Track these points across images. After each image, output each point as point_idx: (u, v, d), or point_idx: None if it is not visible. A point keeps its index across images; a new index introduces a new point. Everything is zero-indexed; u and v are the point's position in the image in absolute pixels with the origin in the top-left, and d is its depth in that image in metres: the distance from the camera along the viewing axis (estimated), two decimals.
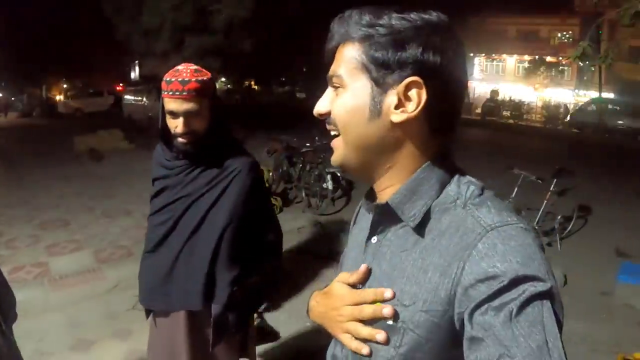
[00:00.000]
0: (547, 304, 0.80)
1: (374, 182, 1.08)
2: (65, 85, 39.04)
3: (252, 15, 9.08)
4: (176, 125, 2.16)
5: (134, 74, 31.53)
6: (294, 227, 7.59)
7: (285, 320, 4.77)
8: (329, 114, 1.05)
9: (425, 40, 0.94)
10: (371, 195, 1.13)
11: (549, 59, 41.78)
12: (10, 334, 2.11)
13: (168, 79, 2.13)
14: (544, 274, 0.83)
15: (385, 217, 1.03)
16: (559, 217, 7.29)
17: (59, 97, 33.80)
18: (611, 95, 32.43)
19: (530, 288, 0.80)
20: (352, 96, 1.00)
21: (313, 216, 8.15)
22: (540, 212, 7.06)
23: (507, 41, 43.14)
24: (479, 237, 0.88)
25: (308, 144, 9.46)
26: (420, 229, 0.97)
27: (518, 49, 43.52)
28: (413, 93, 0.95)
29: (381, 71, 0.96)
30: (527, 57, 43.50)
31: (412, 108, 0.95)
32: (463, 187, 0.99)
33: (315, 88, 43.12)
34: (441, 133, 1.01)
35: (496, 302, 0.80)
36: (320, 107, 1.07)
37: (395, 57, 0.95)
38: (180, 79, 2.10)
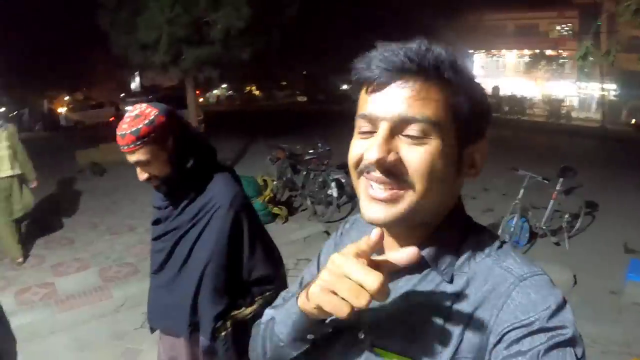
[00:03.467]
0: (570, 350, 0.84)
1: (396, 232, 1.02)
2: (66, 98, 39.14)
3: (249, 24, 9.07)
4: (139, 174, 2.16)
5: (134, 84, 31.68)
6: (301, 236, 7.57)
7: None
8: (396, 164, 0.90)
9: (490, 107, 0.98)
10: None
11: (548, 52, 41.76)
12: None
13: (117, 132, 2.07)
14: (569, 322, 0.87)
15: (406, 266, 0.94)
16: (567, 215, 7.27)
17: (61, 110, 33.88)
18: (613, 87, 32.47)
19: (557, 336, 0.84)
20: (444, 150, 0.90)
21: (319, 224, 8.11)
22: (547, 211, 7.03)
23: (506, 37, 43.18)
24: (512, 286, 0.90)
25: (311, 151, 9.44)
26: (450, 277, 0.97)
27: (517, 44, 43.52)
28: (479, 156, 0.98)
29: (469, 131, 0.94)
30: (527, 52, 43.52)
31: (477, 169, 0.99)
32: (482, 237, 1.00)
33: (315, 91, 43.29)
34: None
35: (525, 346, 0.83)
36: (384, 155, 0.89)
37: (479, 120, 0.95)
38: (121, 133, 2.04)
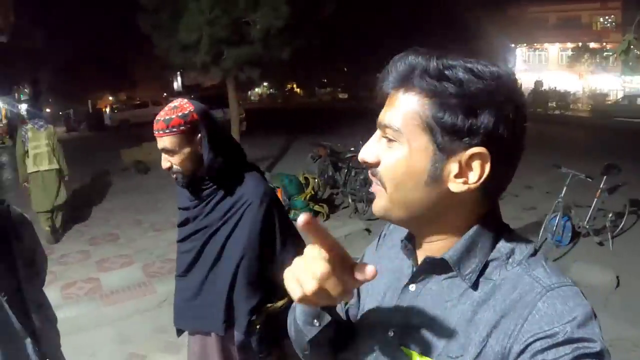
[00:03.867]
0: None
1: (417, 233, 1.06)
2: (110, 98, 40.03)
3: (288, 23, 9.11)
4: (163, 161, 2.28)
5: (177, 84, 32.17)
6: (342, 234, 7.59)
7: None
8: (376, 165, 0.98)
9: (498, 110, 0.90)
10: (411, 239, 1.10)
11: (592, 45, 40.62)
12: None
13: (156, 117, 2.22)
14: (597, 336, 0.85)
15: (434, 268, 1.01)
16: (610, 214, 7.08)
17: (106, 110, 34.70)
18: None
19: (583, 348, 0.83)
20: (409, 157, 0.93)
21: (360, 222, 8.11)
22: (590, 210, 6.89)
23: (548, 29, 42.21)
24: (539, 296, 0.90)
25: (352, 148, 9.44)
26: (474, 284, 0.97)
27: (560, 37, 42.43)
28: (476, 164, 0.92)
29: (447, 136, 0.91)
30: (569, 45, 42.39)
31: (473, 179, 0.93)
32: (515, 244, 0.99)
33: (356, 88, 43.18)
34: (495, 195, 1.01)
35: (549, 357, 0.83)
36: (367, 156, 0.99)
37: (465, 125, 0.90)
38: (156, 118, 2.19)
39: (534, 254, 0.98)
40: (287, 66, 13.16)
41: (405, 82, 0.94)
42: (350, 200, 8.83)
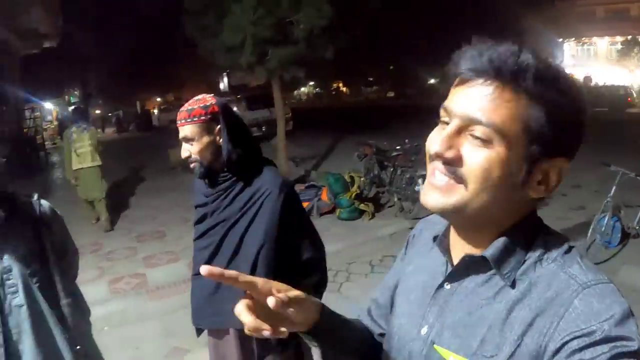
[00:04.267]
0: None
1: (462, 229, 1.04)
2: (158, 100, 40.88)
3: (331, 22, 9.11)
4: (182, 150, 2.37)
5: (223, 85, 32.56)
6: (387, 233, 7.61)
7: None
8: (456, 160, 0.92)
9: (581, 127, 0.94)
10: (444, 237, 1.09)
11: None
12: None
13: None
14: (635, 334, 0.84)
15: (472, 266, 1.00)
16: None
17: (154, 111, 35.46)
18: None
19: (621, 347, 0.81)
20: (506, 160, 0.89)
21: (405, 221, 8.06)
22: None
23: (597, 23, 40.78)
24: (575, 294, 0.88)
25: (398, 147, 9.39)
26: (512, 282, 0.95)
27: (609, 30, 40.87)
28: (555, 171, 0.94)
29: (543, 145, 0.90)
30: (619, 39, 40.96)
31: (551, 187, 0.95)
32: (550, 241, 0.97)
33: (402, 86, 43.00)
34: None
35: (587, 356, 0.82)
36: (443, 150, 0.92)
37: (561, 138, 0.91)
38: (180, 109, 2.33)
39: (569, 250, 0.96)
40: (332, 65, 13.18)
41: (514, 80, 0.88)
42: (395, 199, 8.77)
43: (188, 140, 2.32)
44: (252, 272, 2.33)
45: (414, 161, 8.76)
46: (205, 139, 2.30)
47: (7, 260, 2.43)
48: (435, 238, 1.12)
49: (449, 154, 0.92)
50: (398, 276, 1.27)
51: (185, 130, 2.31)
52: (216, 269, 0.95)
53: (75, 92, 38.85)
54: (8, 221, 2.42)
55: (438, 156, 0.93)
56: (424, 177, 8.01)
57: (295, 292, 1.00)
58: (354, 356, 1.23)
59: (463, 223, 1.01)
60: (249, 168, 2.39)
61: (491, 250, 0.96)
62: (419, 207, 8.09)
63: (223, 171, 2.37)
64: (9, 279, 2.46)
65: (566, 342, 0.84)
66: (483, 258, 0.96)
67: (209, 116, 2.29)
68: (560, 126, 0.89)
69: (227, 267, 2.40)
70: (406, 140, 9.23)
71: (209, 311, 2.49)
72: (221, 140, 2.32)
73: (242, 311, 0.94)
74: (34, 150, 19.07)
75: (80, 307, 2.68)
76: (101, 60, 28.91)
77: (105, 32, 26.07)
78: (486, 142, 0.89)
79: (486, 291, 0.97)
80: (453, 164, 0.92)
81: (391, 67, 43.66)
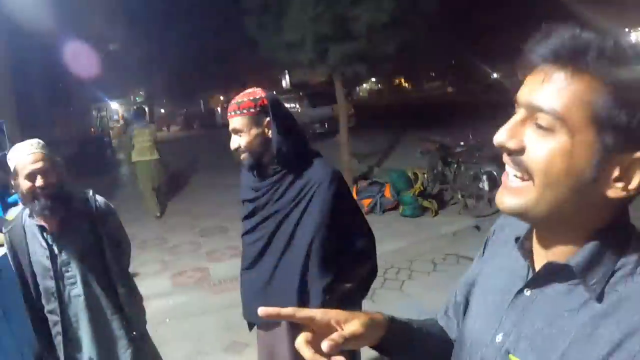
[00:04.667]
0: None
1: (542, 233, 0.97)
2: (221, 98, 41.67)
3: (392, 17, 9.01)
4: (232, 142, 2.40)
5: (285, 82, 32.86)
6: (450, 231, 7.48)
7: None
8: (519, 151, 0.87)
9: None
10: (526, 239, 1.02)
11: None
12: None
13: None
14: None
15: (555, 274, 0.92)
16: None
17: (218, 109, 36.18)
18: None
19: None
20: (571, 151, 0.82)
21: (469, 218, 7.91)
22: None
23: None
24: None
25: (462, 143, 9.15)
26: (598, 295, 0.86)
27: None
28: (636, 171, 0.82)
29: (616, 134, 0.80)
30: None
31: (634, 185, 0.83)
32: None
33: (465, 81, 42.12)
34: (632, 199, 0.89)
35: None
36: (506, 140, 0.88)
37: (636, 125, 0.79)
38: (232, 102, 2.37)
39: None
40: (394, 61, 13.02)
41: (573, 59, 0.82)
42: (459, 196, 8.59)
43: (237, 131, 2.36)
44: (305, 264, 2.34)
45: (478, 157, 8.55)
46: (254, 131, 2.34)
47: (66, 254, 2.58)
48: (517, 239, 1.03)
49: (511, 144, 0.87)
50: (475, 275, 1.20)
51: (235, 122, 2.35)
52: (271, 310, 0.97)
53: (141, 92, 40.15)
54: (66, 217, 2.56)
55: (501, 147, 0.88)
56: (488, 173, 7.86)
57: (352, 327, 0.98)
58: None
59: (540, 225, 0.94)
60: (299, 160, 2.40)
61: (576, 258, 0.87)
62: (484, 205, 7.98)
63: (273, 163, 2.39)
64: (67, 272, 2.60)
65: None
66: (567, 266, 0.88)
67: (258, 109, 2.32)
68: (636, 112, 0.78)
69: (279, 260, 2.42)
70: (470, 137, 9.02)
71: (262, 304, 2.50)
72: (270, 132, 2.34)
73: (301, 346, 0.94)
74: (101, 148, 19.84)
75: (134, 295, 2.80)
76: (165, 61, 29.72)
77: (169, 34, 26.79)
78: (549, 130, 0.83)
79: (569, 302, 0.89)
80: (518, 155, 0.87)
81: (453, 62, 42.94)
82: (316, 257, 2.34)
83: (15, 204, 5.25)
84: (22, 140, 2.58)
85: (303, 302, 2.36)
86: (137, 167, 9.57)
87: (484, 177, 7.95)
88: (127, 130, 10.00)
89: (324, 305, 2.33)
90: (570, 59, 0.81)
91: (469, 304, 1.18)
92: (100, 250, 2.67)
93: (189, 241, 7.87)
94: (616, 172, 0.82)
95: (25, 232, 2.62)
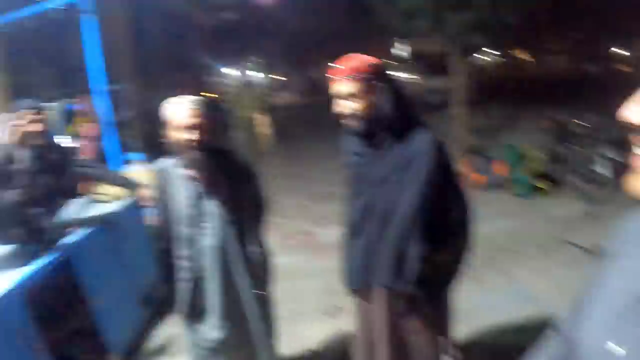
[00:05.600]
0: None
1: None
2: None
3: None
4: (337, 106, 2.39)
5: (399, 51, 32.29)
6: (561, 214, 7.14)
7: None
8: None
9: None
10: None
11: None
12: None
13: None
14: None
15: None
16: None
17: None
18: None
19: None
20: None
21: (582, 203, 7.46)
22: None
23: None
24: None
25: (583, 123, 8.61)
26: None
27: None
28: None
29: None
30: None
31: None
32: None
33: (590, 56, 39.36)
34: None
35: None
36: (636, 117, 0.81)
37: None
38: (339, 66, 2.35)
39: None
40: (516, 32, 12.43)
41: None
42: (573, 179, 8.16)
43: (349, 96, 2.35)
44: (405, 233, 2.35)
45: (599, 140, 8.00)
46: (368, 97, 2.34)
47: (209, 205, 2.77)
48: None
49: None
50: (599, 275, 1.08)
51: (345, 86, 2.34)
52: None
53: (255, 60, 41.15)
54: (213, 172, 2.75)
55: (629, 124, 0.80)
56: (608, 158, 7.35)
57: None
58: None
59: None
60: (406, 129, 2.39)
61: None
62: (601, 191, 7.43)
63: (381, 130, 2.39)
64: (206, 222, 2.79)
65: None
66: None
67: (366, 73, 2.33)
68: None
69: (381, 227, 2.43)
70: (589, 116, 8.47)
71: (361, 271, 2.56)
72: (381, 99, 2.34)
73: None
74: (216, 112, 20.67)
75: (265, 255, 2.98)
76: (279, 30, 30.18)
77: (282, 5, 27.15)
78: None
79: None
80: None
81: (577, 36, 40.08)
82: (416, 227, 2.35)
83: (132, 161, 5.65)
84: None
85: (401, 270, 2.38)
86: (247, 125, 9.74)
87: (604, 162, 7.49)
88: (240, 93, 10.29)
89: (419, 275, 2.35)
90: None
91: (588, 306, 1.04)
92: (241, 207, 2.85)
93: (299, 205, 8.08)
94: None
95: (170, 179, 2.82)
